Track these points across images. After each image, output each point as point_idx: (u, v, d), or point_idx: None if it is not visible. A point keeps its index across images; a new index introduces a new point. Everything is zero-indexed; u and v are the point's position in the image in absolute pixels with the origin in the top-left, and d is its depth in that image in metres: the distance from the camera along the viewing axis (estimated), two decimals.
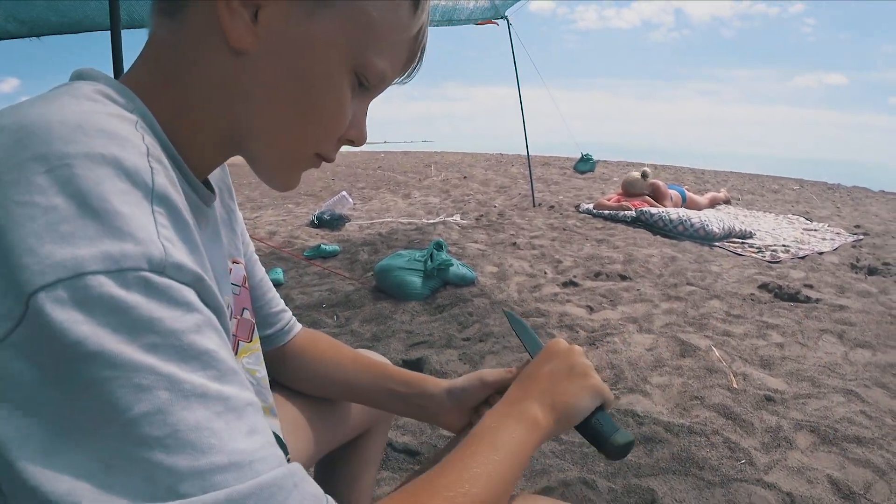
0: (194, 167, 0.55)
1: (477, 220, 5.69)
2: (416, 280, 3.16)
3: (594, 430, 0.66)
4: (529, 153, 6.82)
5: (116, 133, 0.39)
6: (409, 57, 0.59)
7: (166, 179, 0.40)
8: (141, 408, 0.32)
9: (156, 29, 0.53)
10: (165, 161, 0.43)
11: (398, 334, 2.66)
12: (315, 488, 0.39)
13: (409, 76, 0.61)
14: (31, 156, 0.35)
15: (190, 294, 0.37)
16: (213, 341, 0.37)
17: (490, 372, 0.83)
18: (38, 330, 0.31)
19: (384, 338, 2.62)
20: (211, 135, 0.54)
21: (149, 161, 0.40)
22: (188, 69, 0.51)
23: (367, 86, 0.57)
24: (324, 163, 0.60)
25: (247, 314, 0.75)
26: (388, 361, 1.03)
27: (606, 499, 1.59)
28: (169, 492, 0.32)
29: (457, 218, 5.76)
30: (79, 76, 0.50)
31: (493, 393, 0.82)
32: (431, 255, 3.23)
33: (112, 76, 0.49)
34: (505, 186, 8.50)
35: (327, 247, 4.27)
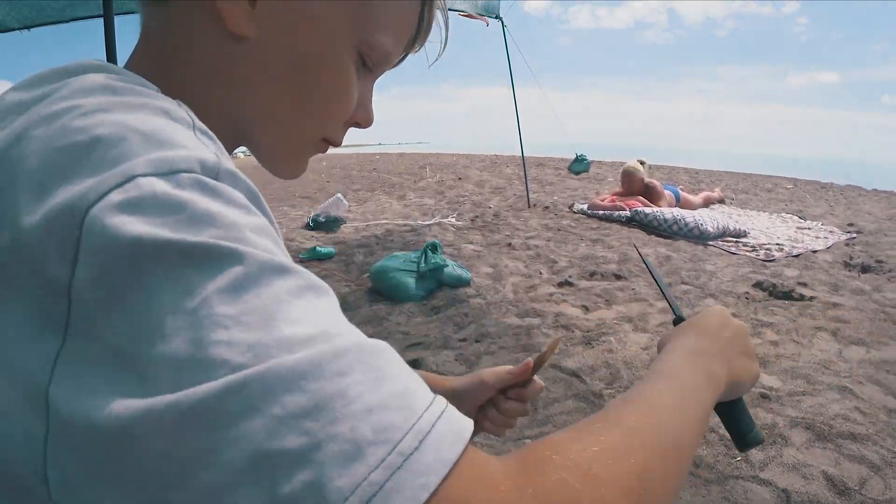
0: None
1: (472, 221, 5.70)
2: (411, 281, 3.16)
3: (738, 416, 0.63)
4: (524, 154, 6.83)
5: (148, 94, 0.39)
6: (416, 30, 0.56)
7: (207, 132, 0.40)
8: (215, 284, 0.29)
9: (147, 19, 0.51)
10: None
11: (394, 336, 2.66)
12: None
13: (419, 47, 0.58)
14: (63, 107, 0.34)
15: (245, 200, 0.34)
16: (274, 246, 0.33)
17: (489, 372, 0.82)
18: (94, 248, 0.28)
19: (380, 339, 2.62)
20: (213, 126, 0.51)
21: (187, 113, 0.39)
22: (184, 59, 0.49)
23: (371, 65, 0.55)
24: (321, 162, 0.57)
25: None
26: None
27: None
28: (242, 360, 0.27)
29: (452, 219, 5.77)
30: (87, 68, 0.45)
31: (496, 393, 0.82)
32: (426, 256, 3.24)
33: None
34: (500, 187, 8.51)
35: (323, 249, 4.27)
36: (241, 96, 0.51)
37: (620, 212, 5.63)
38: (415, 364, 2.32)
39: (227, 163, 0.35)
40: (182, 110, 0.39)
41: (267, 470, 0.25)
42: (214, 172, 0.33)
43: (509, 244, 4.57)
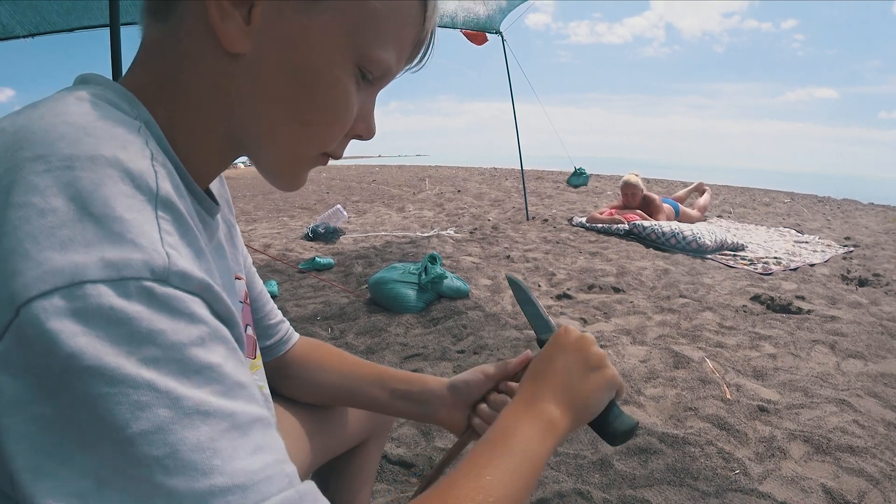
0: (196, 175, 0.53)
1: (471, 233, 5.71)
2: (410, 293, 3.16)
3: (604, 424, 0.66)
4: (523, 167, 6.85)
5: (120, 136, 0.38)
6: (417, 44, 0.57)
7: (171, 184, 0.39)
8: (139, 425, 0.30)
9: (148, 32, 0.52)
10: (170, 167, 0.42)
11: (392, 347, 2.66)
12: None
13: (419, 64, 0.59)
14: (30, 156, 0.34)
15: (195, 304, 0.35)
16: (219, 354, 0.35)
17: (491, 365, 0.83)
18: (29, 340, 0.30)
19: (378, 350, 2.62)
20: (211, 139, 0.52)
21: (153, 165, 0.39)
22: (183, 73, 0.50)
23: (372, 79, 0.55)
24: (321, 173, 0.58)
25: (249, 330, 0.74)
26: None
27: None
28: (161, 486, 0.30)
29: (451, 231, 5.78)
30: (82, 80, 0.48)
31: (494, 388, 0.82)
32: (426, 269, 3.24)
33: (113, 79, 0.49)
34: (499, 200, 8.54)
35: (322, 259, 4.27)
36: (239, 112, 0.51)
37: (619, 225, 5.64)
38: None
39: (179, 260, 0.35)
40: (150, 170, 0.38)
41: None
42: (164, 276, 0.34)
43: (508, 257, 4.58)
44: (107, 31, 2.48)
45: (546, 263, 4.38)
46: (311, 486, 0.37)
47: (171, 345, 0.33)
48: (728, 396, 2.24)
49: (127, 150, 0.37)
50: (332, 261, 4.32)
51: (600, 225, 5.84)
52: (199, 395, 0.33)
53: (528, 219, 6.60)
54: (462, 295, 3.38)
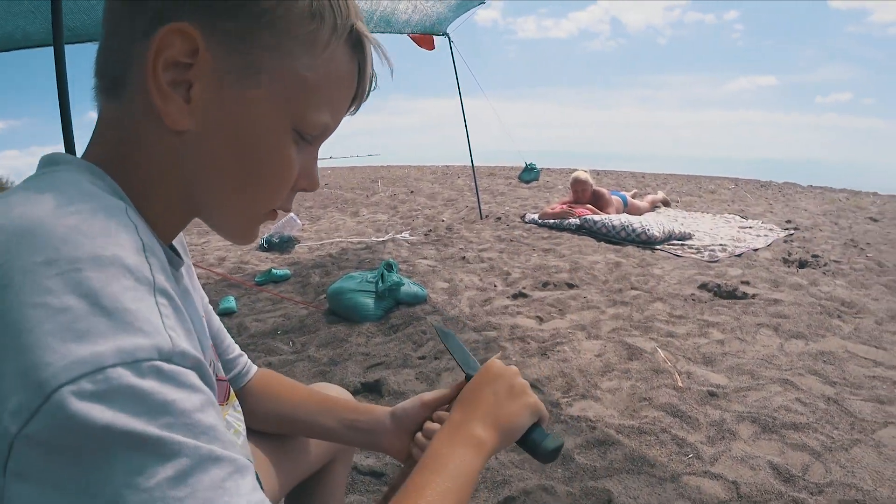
0: (161, 235, 0.56)
1: (426, 235, 5.74)
2: (369, 302, 3.18)
3: (531, 441, 0.72)
4: (475, 165, 6.91)
5: (114, 231, 0.43)
6: (353, 98, 0.61)
7: (162, 272, 0.44)
8: (166, 473, 0.35)
9: (102, 108, 0.55)
10: (157, 249, 0.46)
11: (355, 357, 2.68)
12: None
13: (356, 109, 0.63)
14: (41, 260, 0.38)
15: (192, 377, 0.41)
16: (214, 417, 0.41)
17: (429, 393, 0.87)
18: (62, 421, 0.34)
19: (341, 361, 2.63)
20: (171, 206, 0.56)
21: (146, 257, 0.43)
22: (137, 150, 0.53)
23: (310, 139, 0.59)
24: None
25: (219, 368, 0.77)
26: (344, 393, 1.06)
27: (565, 502, 1.66)
28: None
29: (406, 235, 5.80)
30: (52, 162, 0.52)
31: (432, 415, 0.86)
32: (382, 276, 3.26)
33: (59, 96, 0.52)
34: (452, 199, 8.58)
35: (278, 271, 4.24)
36: (191, 183, 0.55)
37: (571, 219, 5.75)
38: (377, 385, 2.35)
39: (179, 341, 0.41)
40: (145, 264, 0.43)
41: None
42: (168, 356, 0.39)
43: (463, 258, 4.63)
44: (50, 49, 2.44)
45: (501, 263, 4.44)
46: None
47: (182, 412, 0.38)
48: (680, 384, 2.33)
49: (123, 247, 0.42)
50: (288, 272, 4.30)
51: (552, 220, 5.94)
52: (210, 447, 0.38)
53: (481, 217, 6.66)
54: (420, 300, 3.41)
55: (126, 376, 0.36)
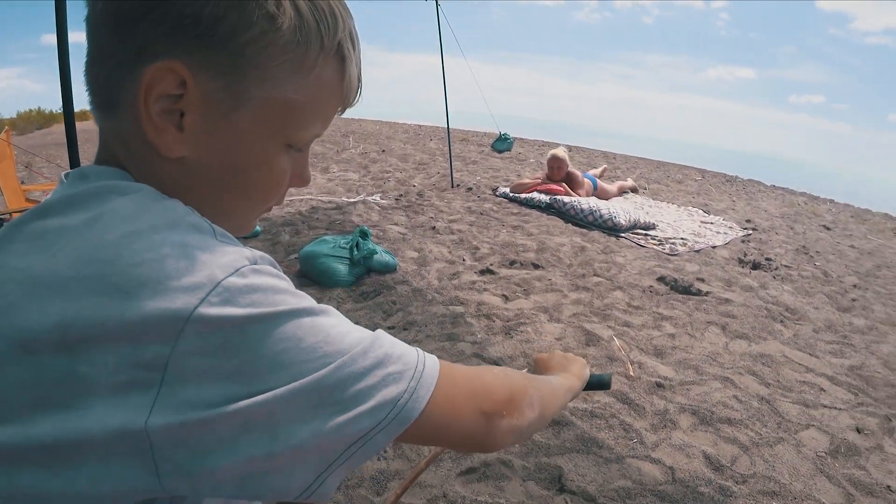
0: None
1: (397, 200, 5.78)
2: (341, 267, 3.25)
3: (594, 381, 0.99)
4: (449, 127, 6.90)
5: (173, 204, 0.51)
6: (342, 104, 0.63)
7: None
8: (302, 331, 0.46)
9: (101, 121, 0.57)
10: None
11: None
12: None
13: (343, 112, 0.65)
14: (121, 234, 0.46)
15: (272, 269, 0.50)
16: (294, 286, 0.50)
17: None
18: (206, 330, 0.42)
19: None
20: None
21: (202, 218, 0.52)
22: (143, 171, 0.56)
23: (302, 147, 0.62)
24: None
25: None
26: None
27: (521, 476, 1.81)
28: (325, 358, 0.46)
29: (377, 198, 5.82)
30: (82, 176, 0.56)
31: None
32: (358, 244, 3.33)
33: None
34: (424, 163, 8.56)
35: None
36: (191, 199, 0.57)
37: (541, 196, 5.87)
38: None
39: (255, 251, 0.51)
40: (202, 220, 0.51)
41: (360, 385, 0.48)
42: (254, 260, 0.48)
43: (433, 227, 4.71)
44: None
45: (470, 236, 4.54)
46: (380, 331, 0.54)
47: (284, 288, 0.48)
48: (631, 374, 2.51)
49: (185, 212, 0.51)
50: (258, 228, 4.29)
51: (523, 195, 6.05)
52: (313, 304, 0.49)
53: (452, 186, 6.71)
54: (390, 269, 3.50)
55: (237, 281, 0.45)
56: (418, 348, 0.55)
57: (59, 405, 0.42)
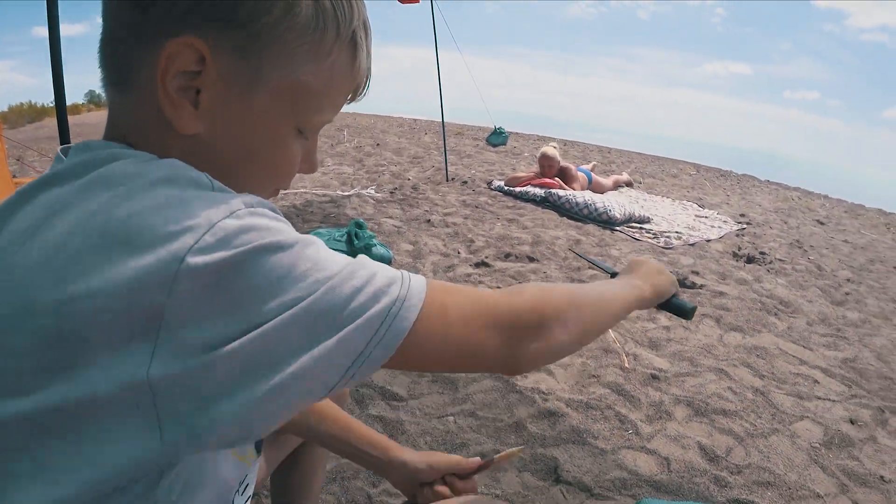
0: None
1: (391, 193, 5.76)
2: None
3: (675, 305, 0.95)
4: (444, 121, 6.89)
5: (177, 163, 0.51)
6: (353, 92, 0.64)
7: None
8: (290, 258, 0.46)
9: (112, 100, 0.56)
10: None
11: None
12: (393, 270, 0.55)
13: (352, 101, 0.67)
14: (119, 188, 0.46)
15: (274, 214, 0.50)
16: (288, 223, 0.51)
17: (439, 459, 1.02)
18: (201, 270, 0.42)
19: None
20: None
21: (204, 176, 0.51)
22: (147, 145, 0.54)
23: (311, 133, 0.63)
24: None
25: None
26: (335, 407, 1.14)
27: (517, 467, 1.81)
28: (315, 284, 0.47)
29: (371, 191, 5.81)
30: (86, 148, 0.54)
31: (442, 477, 1.01)
32: (356, 234, 3.32)
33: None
34: (418, 157, 8.56)
35: None
36: None
37: (536, 189, 5.87)
38: None
39: (252, 197, 0.50)
40: (201, 175, 0.51)
41: (351, 298, 0.48)
42: (251, 205, 0.48)
43: (428, 220, 4.70)
44: None
45: (465, 229, 4.54)
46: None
47: (276, 228, 0.47)
48: (626, 365, 2.51)
49: (178, 168, 0.50)
50: None
51: (518, 189, 6.04)
52: (299, 234, 0.49)
53: (447, 179, 6.69)
54: (385, 262, 3.48)
55: (233, 222, 0.45)
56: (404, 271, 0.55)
57: (64, 367, 0.42)
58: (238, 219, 0.45)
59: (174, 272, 0.41)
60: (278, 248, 0.46)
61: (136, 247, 0.42)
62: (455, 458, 1.02)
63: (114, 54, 0.55)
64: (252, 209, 0.47)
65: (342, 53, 0.58)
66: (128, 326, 0.41)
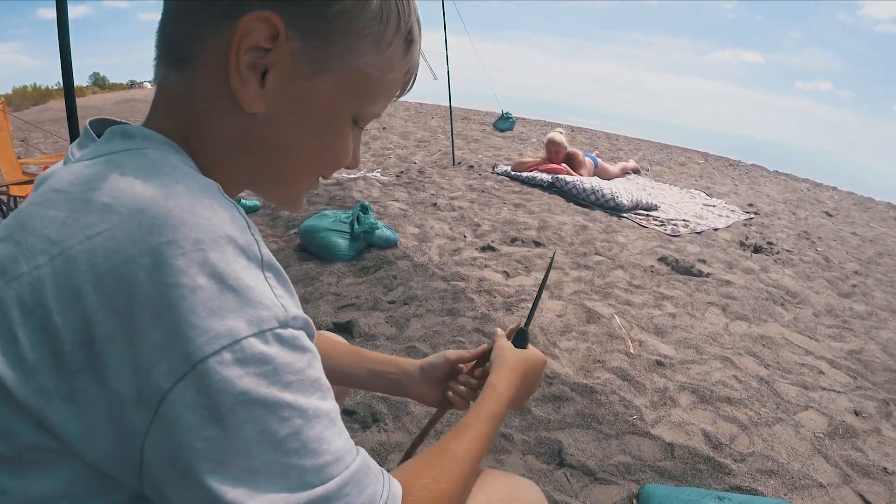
0: None
1: (398, 176, 5.73)
2: (342, 242, 3.23)
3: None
4: (451, 105, 6.85)
5: (220, 211, 0.47)
6: (402, 87, 0.65)
7: (265, 246, 0.49)
8: (285, 431, 0.44)
9: (166, 79, 0.56)
10: (252, 224, 0.51)
11: (326, 297, 2.76)
12: (375, 464, 0.53)
13: (399, 97, 0.68)
14: (164, 241, 0.43)
15: (303, 337, 0.48)
16: (318, 369, 0.49)
17: (452, 352, 1.04)
18: (206, 385, 0.41)
19: (313, 300, 2.71)
20: (229, 180, 0.58)
21: (252, 234, 0.48)
22: (207, 127, 0.56)
23: (362, 124, 0.64)
24: None
25: None
26: (344, 342, 1.15)
27: (521, 449, 1.82)
28: (300, 483, 0.44)
29: (377, 174, 5.79)
30: (126, 135, 0.53)
31: (457, 366, 1.03)
32: (358, 218, 3.31)
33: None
34: (425, 141, 8.51)
35: (247, 202, 4.22)
36: (254, 162, 0.59)
37: (543, 175, 5.84)
38: (348, 325, 2.44)
39: (290, 308, 0.48)
40: (253, 241, 0.48)
41: None
42: (285, 322, 0.46)
43: (434, 204, 4.68)
44: None
45: (471, 213, 4.51)
46: (363, 451, 0.52)
47: (298, 370, 0.46)
48: (632, 351, 2.50)
49: (233, 224, 0.47)
50: (257, 202, 4.27)
51: (525, 174, 6.01)
52: (314, 402, 0.47)
53: (454, 164, 6.65)
54: (391, 244, 3.49)
55: (256, 345, 0.43)
56: (384, 472, 0.53)
57: (80, 369, 0.43)
58: (264, 342, 0.44)
59: (183, 372, 0.42)
60: (280, 408, 0.45)
61: (160, 324, 0.42)
62: (459, 351, 1.05)
63: (175, 33, 0.55)
64: (281, 333, 0.46)
65: (399, 47, 0.60)
66: (135, 386, 0.42)
